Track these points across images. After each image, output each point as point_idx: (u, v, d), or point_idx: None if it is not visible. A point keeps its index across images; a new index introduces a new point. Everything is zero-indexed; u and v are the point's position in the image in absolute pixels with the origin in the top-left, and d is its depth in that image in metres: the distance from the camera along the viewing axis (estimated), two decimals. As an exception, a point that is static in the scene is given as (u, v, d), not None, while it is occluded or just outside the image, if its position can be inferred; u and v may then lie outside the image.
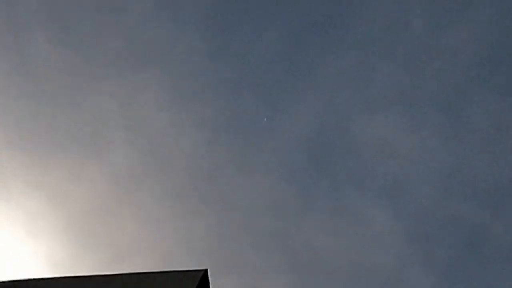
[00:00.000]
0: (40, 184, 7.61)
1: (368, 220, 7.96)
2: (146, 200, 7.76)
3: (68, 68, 7.65)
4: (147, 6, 7.63)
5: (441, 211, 7.91)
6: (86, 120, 7.67)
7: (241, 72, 7.81)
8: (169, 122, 7.79)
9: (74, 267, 7.72)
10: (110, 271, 7.54)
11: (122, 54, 7.69)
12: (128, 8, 7.66)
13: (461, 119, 7.94)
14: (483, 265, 7.95)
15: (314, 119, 7.90)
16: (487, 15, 7.81)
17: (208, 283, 5.58)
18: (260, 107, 7.81)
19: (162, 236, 7.77)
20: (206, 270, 5.57)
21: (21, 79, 7.55)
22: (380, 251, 8.02)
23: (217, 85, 7.78)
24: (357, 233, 7.98)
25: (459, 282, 7.96)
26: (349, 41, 7.85)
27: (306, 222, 7.96)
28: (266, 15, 7.79)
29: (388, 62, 7.87)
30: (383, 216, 7.94)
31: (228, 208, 7.81)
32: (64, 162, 7.61)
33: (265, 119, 7.76)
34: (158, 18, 7.67)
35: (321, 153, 7.88)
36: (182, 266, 7.82)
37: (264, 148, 7.81)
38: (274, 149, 7.81)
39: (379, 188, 7.94)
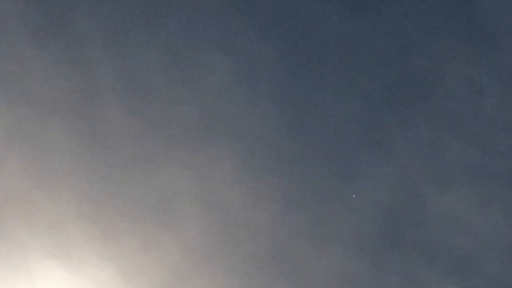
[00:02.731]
0: (111, 256, 7.69)
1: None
2: (218, 272, 7.80)
3: (141, 138, 7.77)
4: (223, 76, 7.78)
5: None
6: (159, 191, 7.78)
7: (315, 144, 7.89)
8: (242, 195, 7.86)
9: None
10: None
11: (197, 125, 7.81)
12: (203, 79, 7.82)
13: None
14: None
15: (387, 193, 7.94)
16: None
17: None
18: (333, 180, 7.87)
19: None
20: None
21: (93, 149, 7.69)
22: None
23: (291, 158, 7.87)
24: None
25: None
26: (422, 117, 7.92)
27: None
28: (341, 87, 7.91)
29: (459, 139, 7.92)
30: (452, 292, 7.92)
31: (299, 281, 7.83)
32: (136, 233, 7.70)
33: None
34: (234, 90, 7.81)
35: (392, 226, 7.89)
36: None
37: (336, 220, 7.85)
38: (346, 221, 7.84)
39: (448, 263, 7.92)
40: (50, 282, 7.69)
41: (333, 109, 7.95)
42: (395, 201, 7.95)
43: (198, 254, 7.78)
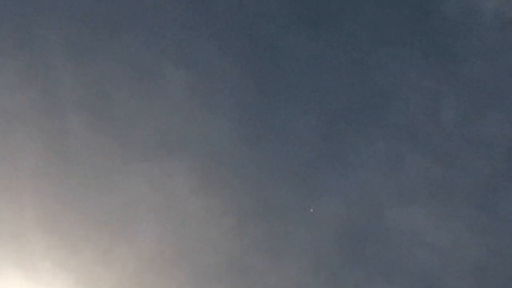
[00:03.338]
0: (68, 266, 7.76)
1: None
2: (173, 284, 7.80)
3: (100, 151, 7.93)
4: (181, 90, 7.93)
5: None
6: (117, 203, 7.88)
7: (273, 158, 7.92)
8: (199, 207, 7.90)
9: None
10: None
11: (155, 138, 7.94)
12: (161, 93, 7.98)
13: (492, 212, 7.76)
14: None
15: (346, 207, 7.88)
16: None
17: None
18: (291, 194, 7.86)
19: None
20: None
21: (53, 161, 7.87)
22: None
23: (248, 171, 7.90)
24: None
25: None
26: (381, 131, 7.90)
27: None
28: (300, 102, 7.96)
29: (419, 153, 7.86)
30: (410, 308, 7.73)
31: (254, 295, 7.77)
32: (93, 244, 7.78)
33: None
34: (191, 103, 7.94)
35: (351, 241, 7.80)
36: None
37: (294, 234, 7.80)
38: (304, 235, 7.79)
39: (409, 280, 7.75)
40: (9, 292, 7.80)
41: (291, 124, 8.00)
42: (355, 216, 7.88)
43: (154, 265, 7.81)
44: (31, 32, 8.00)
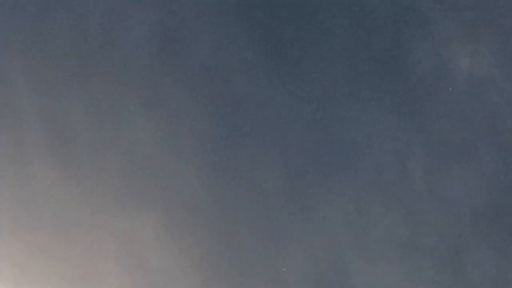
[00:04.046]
0: (31, 321, 7.72)
1: None
2: None
3: (67, 203, 7.85)
4: (148, 140, 7.87)
5: None
6: (84, 256, 7.81)
7: (240, 214, 7.91)
8: (166, 262, 7.86)
9: None
10: None
11: (123, 190, 7.88)
12: (129, 142, 7.92)
13: (458, 274, 7.82)
14: None
15: (313, 265, 7.89)
16: (490, 167, 7.81)
17: None
18: (258, 251, 7.85)
19: None
20: None
21: (17, 210, 7.78)
22: None
23: (216, 227, 7.88)
24: None
25: None
26: (349, 187, 7.92)
27: None
28: (268, 156, 7.95)
29: (387, 211, 7.89)
30: None
31: None
32: (58, 299, 7.72)
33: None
34: (159, 154, 7.88)
35: (317, 300, 7.84)
36: None
37: (260, 290, 7.82)
38: (269, 292, 7.81)
39: (374, 338, 7.82)
40: None
41: (259, 178, 7.98)
42: (322, 274, 7.89)
43: (120, 321, 7.77)
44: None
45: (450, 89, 8.07)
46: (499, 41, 8.06)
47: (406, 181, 7.98)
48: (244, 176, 7.96)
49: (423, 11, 8.14)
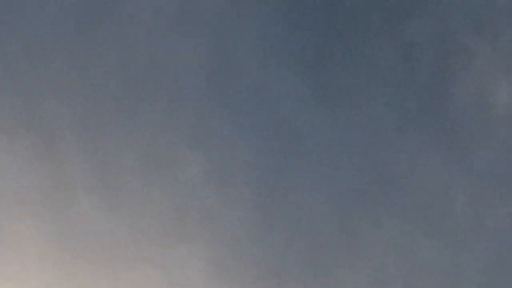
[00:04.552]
0: None
1: None
2: None
3: (113, 236, 7.69)
4: (197, 174, 7.76)
5: None
6: (129, 289, 7.69)
7: (288, 246, 7.87)
8: (211, 294, 7.81)
9: None
10: None
11: (169, 223, 7.76)
12: (176, 176, 7.79)
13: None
14: None
15: (357, 292, 7.93)
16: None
17: None
18: (307, 282, 7.85)
19: None
20: None
21: (61, 247, 7.59)
22: None
23: (262, 259, 7.83)
24: None
25: None
26: (393, 214, 7.94)
27: None
28: (316, 186, 7.92)
29: (428, 239, 7.94)
30: None
31: None
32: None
33: None
34: (207, 187, 7.79)
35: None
36: None
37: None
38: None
39: None
40: None
41: (307, 209, 7.95)
42: (367, 302, 7.93)
43: None
44: (41, 110, 7.64)
45: (492, 117, 8.15)
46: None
47: (450, 211, 8.05)
48: (291, 209, 7.92)
49: (465, 42, 8.17)
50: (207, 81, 7.88)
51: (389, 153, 8.08)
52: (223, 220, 7.81)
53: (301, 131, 8.03)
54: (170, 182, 7.79)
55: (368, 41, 8.11)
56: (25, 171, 7.62)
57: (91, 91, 7.76)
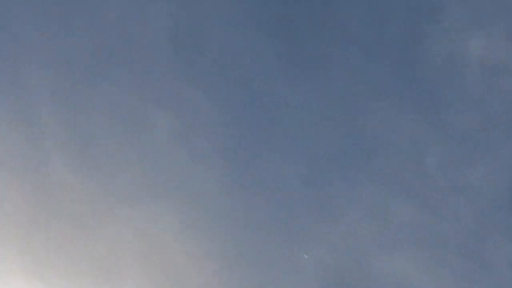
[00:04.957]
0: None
1: None
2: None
3: (85, 195, 7.90)
4: (165, 133, 7.91)
5: None
6: (101, 248, 7.84)
7: (259, 204, 7.90)
8: (183, 252, 7.87)
9: None
10: None
11: (140, 182, 7.92)
12: (145, 136, 7.97)
13: (478, 261, 7.74)
14: None
15: (332, 254, 7.85)
16: (505, 155, 7.76)
17: None
18: (278, 241, 7.83)
19: None
20: None
21: (37, 207, 7.84)
22: None
23: (233, 217, 7.88)
24: None
25: None
26: (367, 177, 7.90)
27: None
28: (287, 147, 7.96)
29: (404, 200, 7.85)
30: None
31: None
32: (78, 289, 7.74)
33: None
34: (175, 146, 7.92)
35: (337, 289, 7.78)
36: None
37: (280, 281, 7.77)
38: (290, 282, 7.76)
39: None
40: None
41: (278, 170, 7.99)
42: (341, 263, 7.85)
43: (138, 312, 7.76)
44: (16, 74, 7.99)
45: (465, 77, 8.07)
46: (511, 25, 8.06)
47: (424, 172, 7.95)
48: (262, 169, 7.97)
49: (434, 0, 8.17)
50: (174, 44, 8.11)
51: (362, 118, 8.09)
52: (192, 177, 7.93)
53: (271, 94, 8.13)
54: (139, 141, 7.98)
55: (338, 5, 8.21)
56: (1, 135, 7.95)
57: (65, 58, 8.08)
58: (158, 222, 7.84)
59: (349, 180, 7.91)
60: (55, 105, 7.97)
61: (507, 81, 8.03)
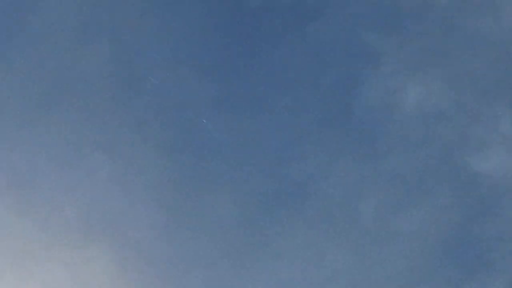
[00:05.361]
0: None
1: None
2: None
3: (23, 237, 8.00)
4: (102, 176, 7.99)
5: None
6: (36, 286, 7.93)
7: (191, 248, 7.96)
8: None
9: None
10: None
11: (76, 225, 8.01)
12: (83, 178, 8.07)
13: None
14: None
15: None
16: (441, 202, 7.78)
17: None
18: (210, 275, 7.88)
19: None
20: None
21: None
22: None
23: (166, 261, 7.95)
24: None
25: None
26: (300, 222, 7.93)
27: None
28: (221, 192, 8.02)
29: (336, 246, 7.86)
30: None
31: None
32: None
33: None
34: (111, 190, 8.01)
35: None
36: None
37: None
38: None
39: None
40: None
41: (212, 215, 8.06)
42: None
43: None
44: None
45: (401, 123, 8.07)
46: (447, 71, 8.06)
47: (356, 217, 7.97)
48: (195, 213, 8.04)
49: (371, 43, 8.18)
50: (111, 87, 8.22)
51: (296, 162, 8.12)
52: (128, 221, 8.00)
53: (206, 134, 8.20)
54: (77, 183, 8.08)
55: (272, 45, 8.26)
56: None
57: (1, 101, 8.23)
58: (92, 264, 7.91)
59: (282, 224, 7.95)
60: (-5, 147, 8.10)
61: (444, 127, 8.05)
